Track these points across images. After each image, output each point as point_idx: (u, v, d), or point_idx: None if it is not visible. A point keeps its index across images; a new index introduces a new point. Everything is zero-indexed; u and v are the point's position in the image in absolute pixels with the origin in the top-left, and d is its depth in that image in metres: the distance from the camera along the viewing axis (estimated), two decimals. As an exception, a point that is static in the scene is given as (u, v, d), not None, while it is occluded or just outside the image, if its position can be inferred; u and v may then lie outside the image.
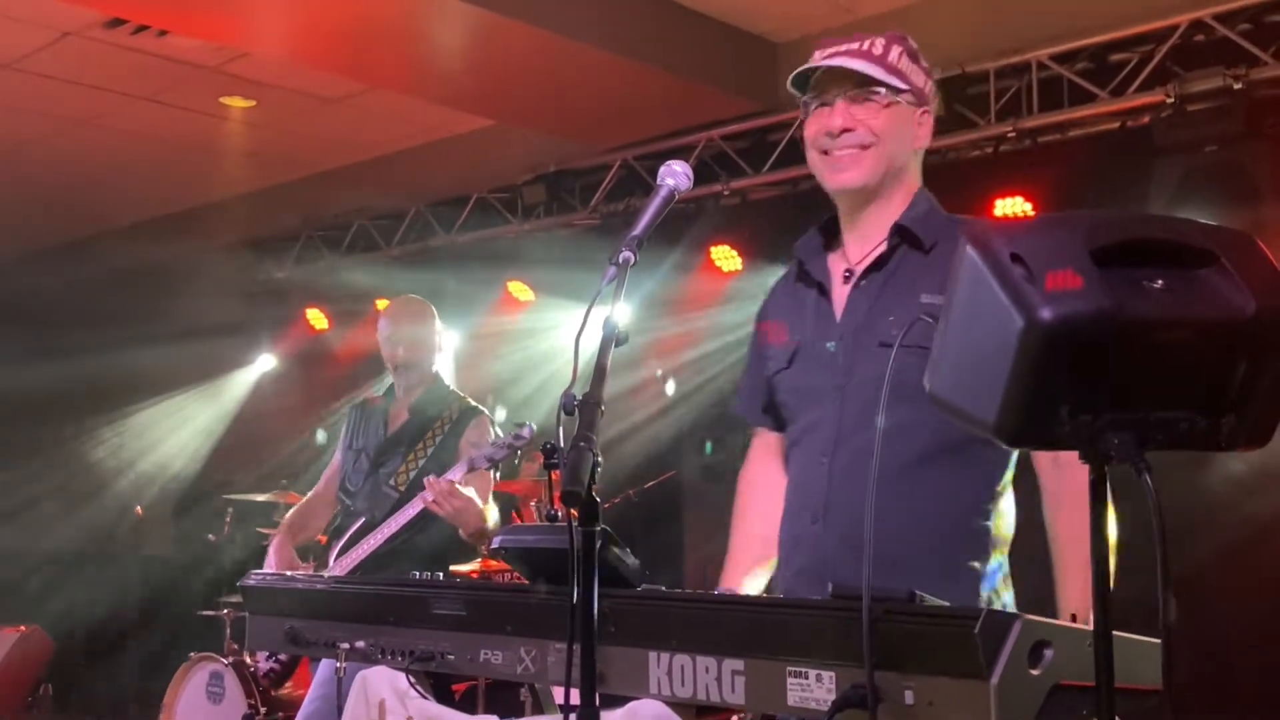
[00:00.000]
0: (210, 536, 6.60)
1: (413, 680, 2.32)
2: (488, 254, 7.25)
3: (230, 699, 5.20)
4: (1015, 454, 2.25)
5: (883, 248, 2.28)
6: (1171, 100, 4.81)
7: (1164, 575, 1.34)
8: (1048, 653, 1.53)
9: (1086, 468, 2.13)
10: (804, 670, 1.64)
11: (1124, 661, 1.44)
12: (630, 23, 5.38)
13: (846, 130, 2.23)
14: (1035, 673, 1.52)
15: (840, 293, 2.31)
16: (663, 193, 2.06)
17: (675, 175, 2.09)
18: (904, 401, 2.13)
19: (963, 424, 1.52)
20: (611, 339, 1.83)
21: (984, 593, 2.20)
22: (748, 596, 2.20)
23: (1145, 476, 1.37)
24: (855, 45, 2.25)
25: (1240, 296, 1.41)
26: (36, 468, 8.30)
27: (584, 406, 1.73)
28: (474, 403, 4.10)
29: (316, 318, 8.11)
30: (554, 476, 1.72)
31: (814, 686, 1.63)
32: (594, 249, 6.23)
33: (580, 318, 1.81)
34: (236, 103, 6.33)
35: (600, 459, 1.68)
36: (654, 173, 2.20)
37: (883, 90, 2.23)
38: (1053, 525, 2.17)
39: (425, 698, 2.45)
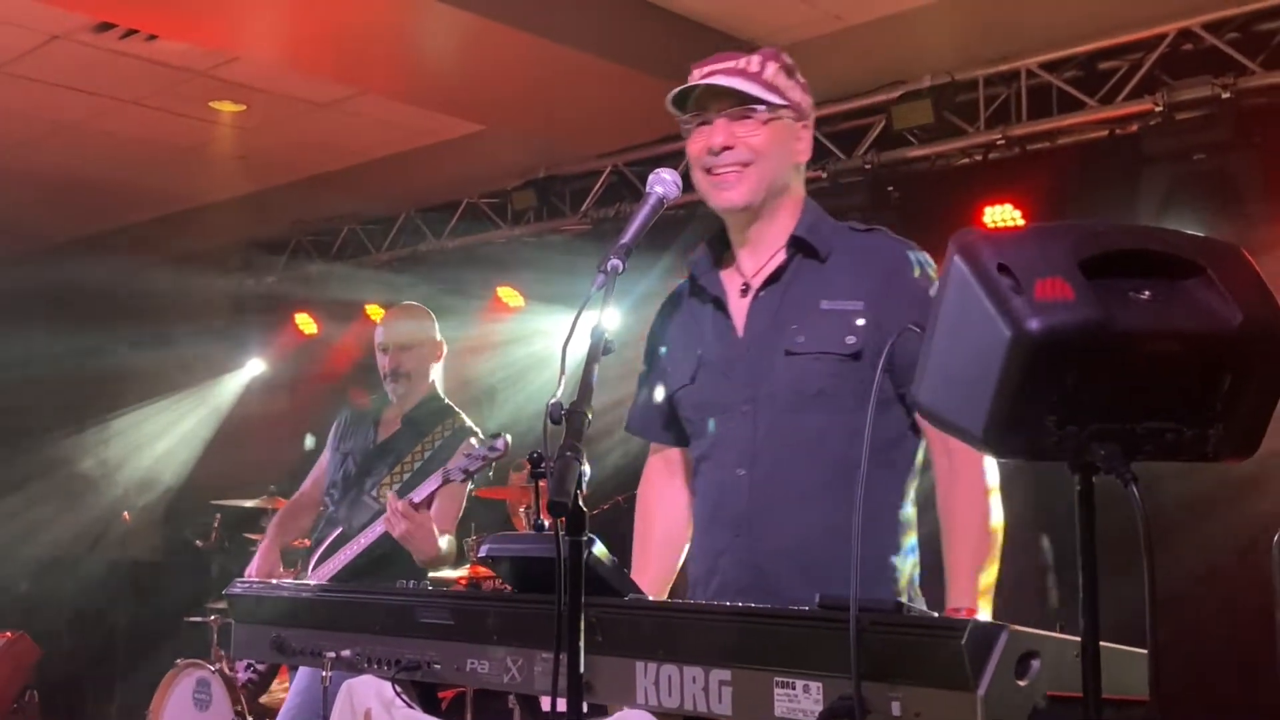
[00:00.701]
0: (198, 542, 6.57)
1: (399, 689, 2.31)
2: (477, 259, 7.24)
3: (217, 706, 5.18)
4: (922, 451, 2.27)
5: (779, 259, 2.30)
6: (1160, 109, 4.83)
7: (1150, 586, 1.34)
8: (1035, 663, 1.53)
9: (977, 449, 2.16)
10: (791, 681, 1.64)
11: (1111, 672, 1.44)
12: (620, 28, 5.38)
13: (727, 148, 2.25)
14: (1022, 684, 1.52)
15: (739, 306, 2.33)
16: (651, 200, 2.08)
17: (664, 183, 2.10)
18: (814, 410, 2.16)
19: (950, 434, 1.52)
20: (599, 347, 1.82)
21: (904, 588, 2.24)
22: (735, 606, 2.20)
23: (1132, 488, 1.37)
24: (731, 64, 2.28)
25: (1226, 308, 1.41)
26: (23, 471, 8.24)
27: (571, 415, 1.72)
28: (470, 423, 3.89)
29: (306, 322, 8.09)
30: (541, 485, 1.71)
31: (801, 697, 1.63)
32: (584, 254, 6.21)
33: (570, 324, 1.80)
34: (226, 107, 6.32)
35: (587, 468, 1.67)
36: (644, 178, 2.21)
37: (762, 107, 2.25)
38: (946, 504, 2.20)
39: (411, 707, 2.44)
